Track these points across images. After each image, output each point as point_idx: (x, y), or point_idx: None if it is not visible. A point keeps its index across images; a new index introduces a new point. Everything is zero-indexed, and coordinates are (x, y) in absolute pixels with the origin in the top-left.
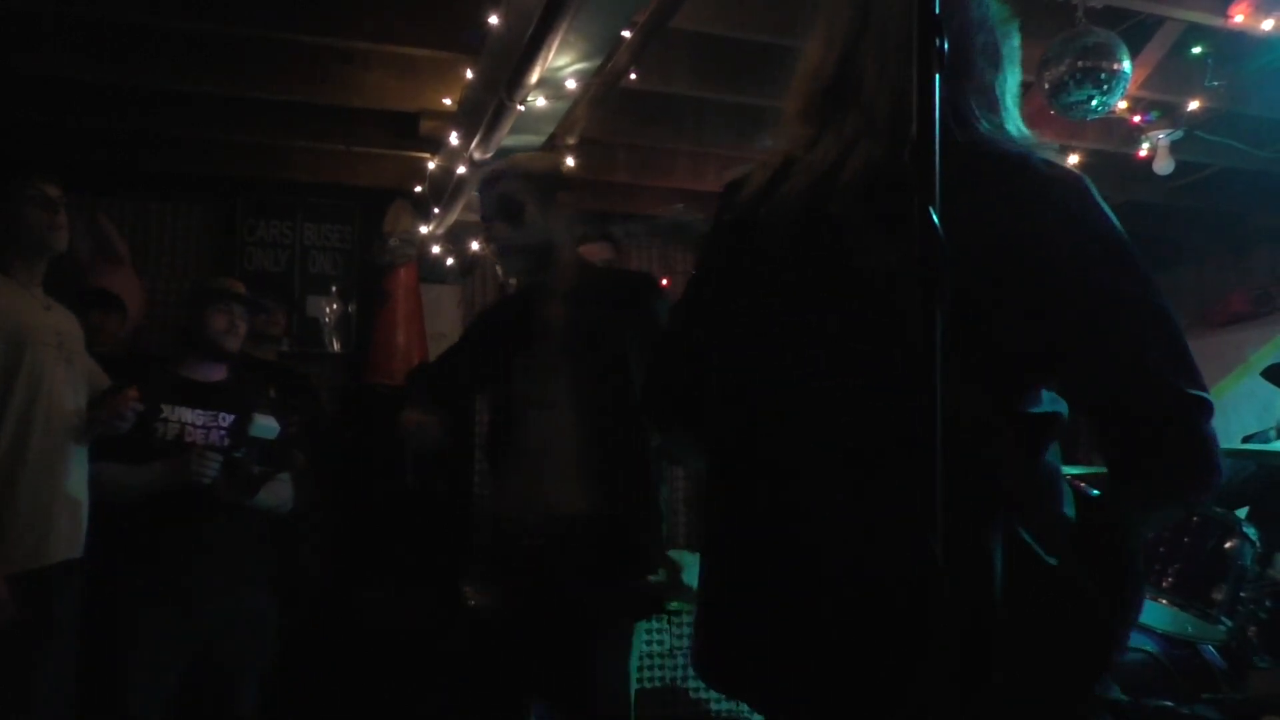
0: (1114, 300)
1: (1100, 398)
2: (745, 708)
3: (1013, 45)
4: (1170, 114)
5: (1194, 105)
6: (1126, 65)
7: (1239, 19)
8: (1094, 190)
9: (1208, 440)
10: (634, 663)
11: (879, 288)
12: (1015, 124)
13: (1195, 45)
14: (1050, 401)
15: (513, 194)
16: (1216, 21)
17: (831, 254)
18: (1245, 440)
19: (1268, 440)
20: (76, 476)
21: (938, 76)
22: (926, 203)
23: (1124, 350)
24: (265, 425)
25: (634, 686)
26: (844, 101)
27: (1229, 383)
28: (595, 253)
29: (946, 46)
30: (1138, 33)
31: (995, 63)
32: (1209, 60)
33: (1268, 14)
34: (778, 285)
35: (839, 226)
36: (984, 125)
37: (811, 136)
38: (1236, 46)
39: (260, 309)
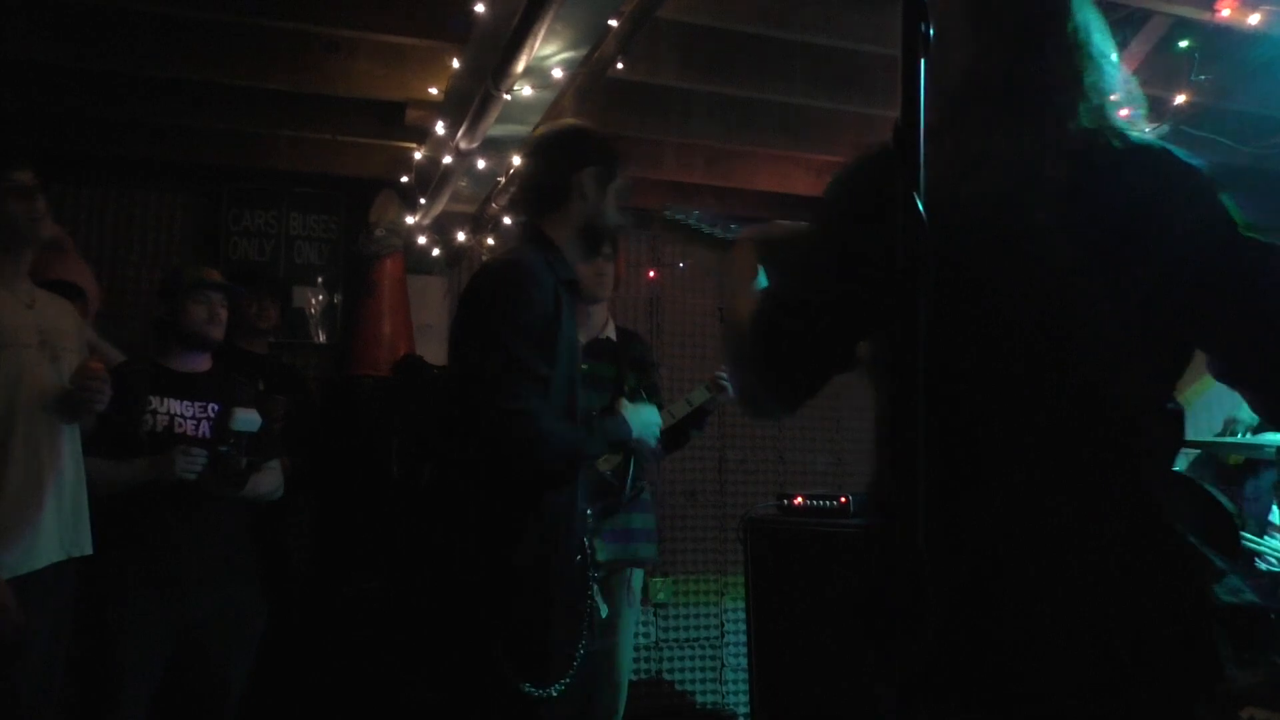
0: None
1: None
2: (730, 702)
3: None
4: (1157, 109)
5: (1180, 100)
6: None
7: (1226, 13)
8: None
9: None
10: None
11: (1066, 283)
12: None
13: (1182, 39)
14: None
15: None
16: (1204, 16)
17: (1028, 248)
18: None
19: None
20: (72, 476)
21: (923, 62)
22: (910, 188)
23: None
24: (247, 419)
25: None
26: (1023, 102)
27: (1208, 382)
28: None
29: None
30: (1124, 26)
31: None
32: (1196, 55)
33: (1254, 8)
34: (969, 273)
35: (1040, 224)
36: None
37: (986, 119)
38: (1223, 41)
39: (238, 295)
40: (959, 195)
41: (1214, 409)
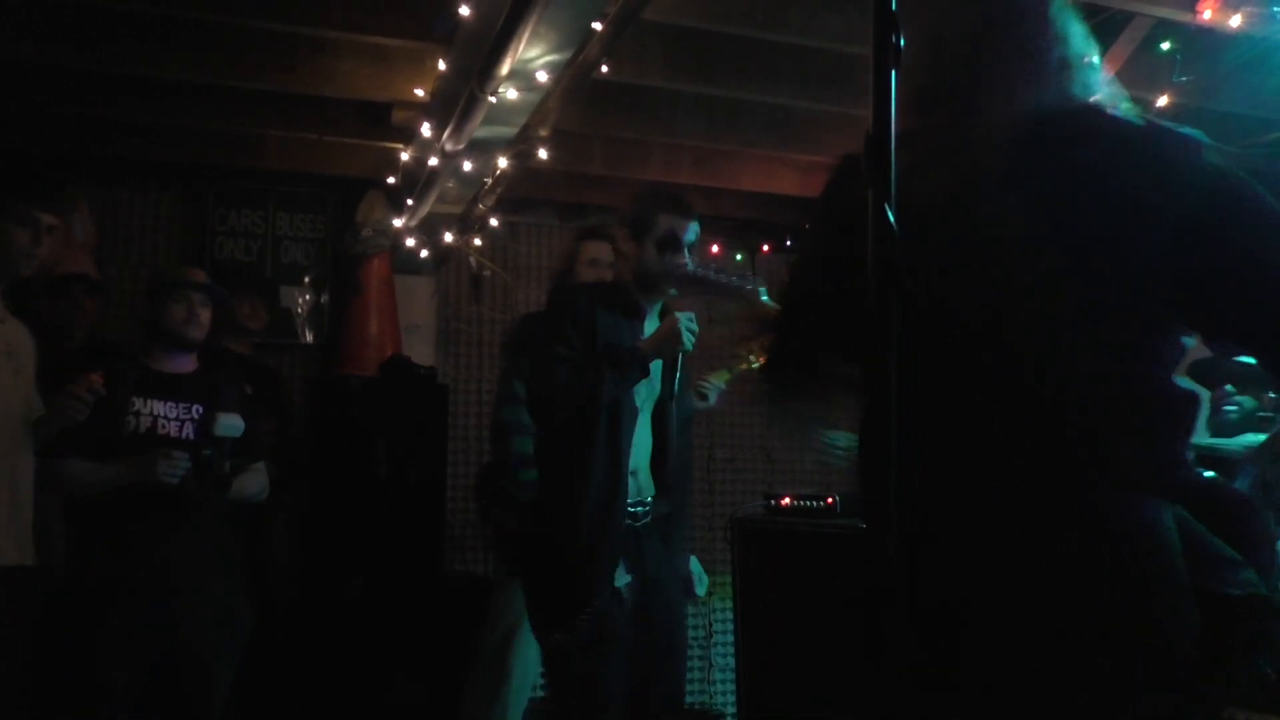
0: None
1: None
2: (719, 702)
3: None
4: (1139, 109)
5: (1163, 101)
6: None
7: (1207, 15)
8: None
9: None
10: None
11: (1016, 272)
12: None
13: (1164, 41)
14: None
15: None
16: (1185, 17)
17: (974, 242)
18: None
19: None
20: (25, 486)
21: (893, 73)
22: (881, 198)
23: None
24: (230, 424)
25: None
26: (962, 94)
27: None
28: (595, 251)
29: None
30: (1107, 28)
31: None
32: (1178, 56)
33: (1235, 10)
34: (931, 261)
35: (987, 215)
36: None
37: (939, 122)
38: (1205, 42)
39: (218, 295)
40: (913, 194)
41: None
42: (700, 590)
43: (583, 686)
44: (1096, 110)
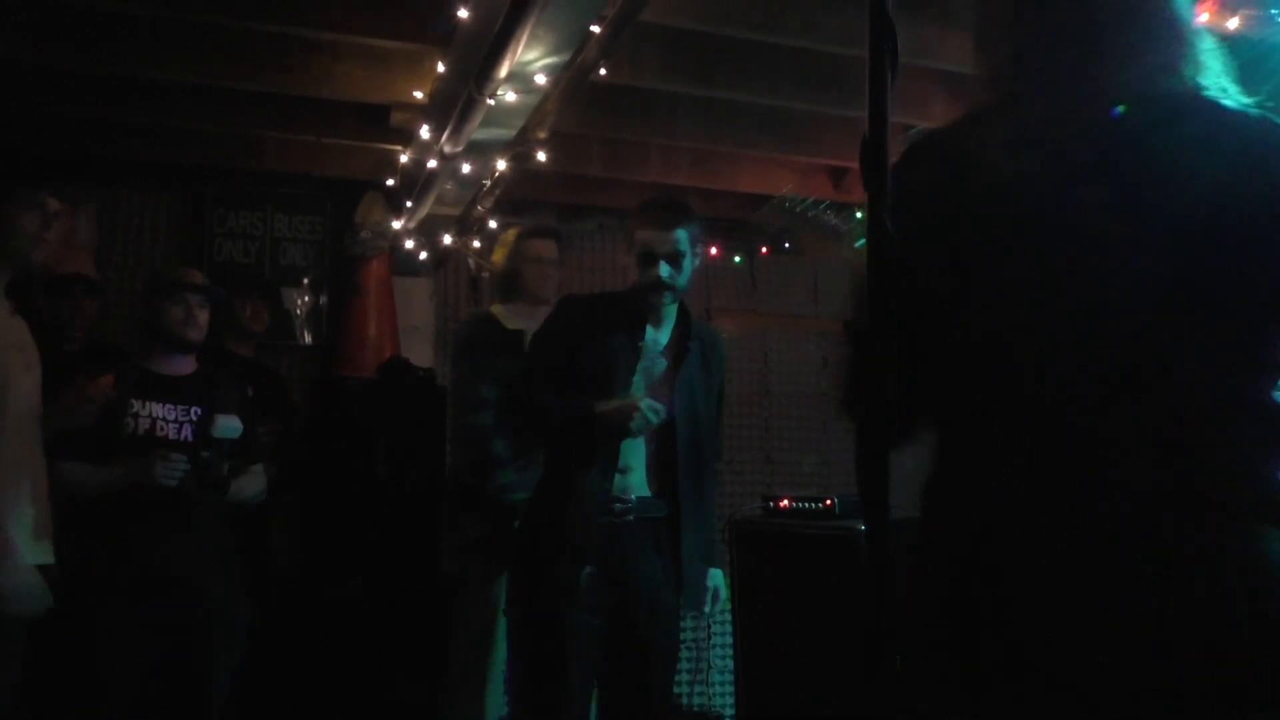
0: None
1: None
2: (717, 702)
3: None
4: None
5: None
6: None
7: (1205, 17)
8: None
9: None
10: None
11: (1098, 262)
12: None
13: None
14: None
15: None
16: None
17: (1057, 229)
18: None
19: None
20: (39, 482)
21: (889, 78)
22: (878, 200)
23: None
24: (228, 426)
25: None
26: (1061, 63)
27: None
28: (540, 249)
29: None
30: None
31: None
32: None
33: (1233, 12)
34: (999, 258)
35: (1072, 202)
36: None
37: (1032, 94)
38: None
39: (216, 296)
40: (998, 179)
41: None
42: (709, 607)
43: (543, 665)
44: (1205, 97)
